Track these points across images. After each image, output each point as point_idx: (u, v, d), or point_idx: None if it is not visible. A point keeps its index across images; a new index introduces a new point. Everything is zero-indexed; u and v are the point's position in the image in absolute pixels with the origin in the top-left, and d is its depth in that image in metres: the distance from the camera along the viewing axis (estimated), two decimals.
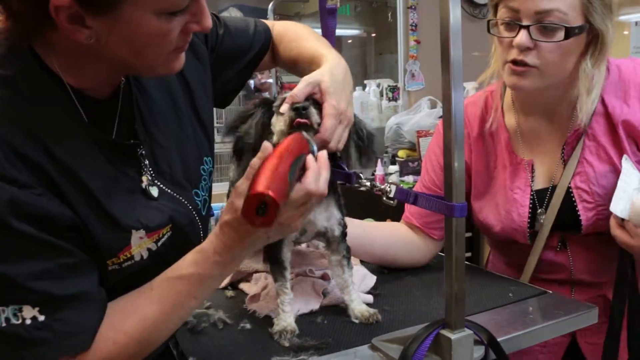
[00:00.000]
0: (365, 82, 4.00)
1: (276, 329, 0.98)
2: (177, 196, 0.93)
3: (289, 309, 1.02)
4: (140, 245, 0.84)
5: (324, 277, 1.18)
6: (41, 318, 0.72)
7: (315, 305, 1.10)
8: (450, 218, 0.82)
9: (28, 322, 0.71)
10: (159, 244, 0.88)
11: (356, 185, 1.00)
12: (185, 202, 0.94)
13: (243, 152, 1.03)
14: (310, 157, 0.82)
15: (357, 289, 1.11)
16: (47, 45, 0.77)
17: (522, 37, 1.11)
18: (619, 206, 1.09)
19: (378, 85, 3.91)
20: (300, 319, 1.04)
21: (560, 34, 1.10)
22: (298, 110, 0.91)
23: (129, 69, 0.84)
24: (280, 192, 0.71)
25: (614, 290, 1.17)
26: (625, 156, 1.16)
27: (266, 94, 4.28)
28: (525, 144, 1.29)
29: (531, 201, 1.26)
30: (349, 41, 5.28)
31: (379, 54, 4.92)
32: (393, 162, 3.28)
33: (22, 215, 0.69)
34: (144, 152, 0.89)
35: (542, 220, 1.25)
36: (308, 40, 1.10)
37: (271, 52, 1.17)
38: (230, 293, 1.21)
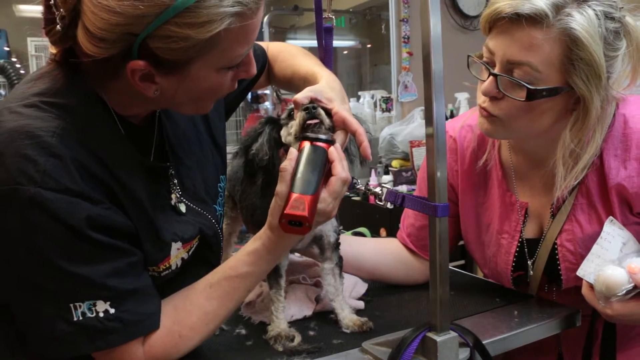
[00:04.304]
0: (360, 93, 4.05)
1: (271, 334, 1.02)
2: (202, 211, 1.02)
3: (282, 316, 1.05)
4: (177, 255, 0.94)
5: (317, 285, 1.22)
6: (112, 311, 0.81)
7: (308, 311, 1.13)
8: (434, 222, 0.87)
9: (101, 314, 0.81)
10: (190, 253, 0.97)
11: (351, 192, 1.04)
12: (209, 216, 1.03)
13: (255, 171, 1.06)
14: (332, 149, 0.91)
15: (347, 298, 1.14)
16: (100, 84, 0.85)
17: (488, 85, 1.03)
18: (588, 269, 1.03)
19: (372, 97, 3.97)
20: (294, 324, 1.08)
21: (523, 93, 0.99)
22: (309, 109, 0.94)
23: (176, 108, 0.92)
24: (310, 207, 0.83)
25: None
26: (610, 218, 1.06)
27: (265, 105, 4.34)
28: (520, 185, 1.21)
29: (518, 248, 1.20)
30: (345, 52, 5.34)
31: (374, 65, 4.96)
32: (386, 172, 3.31)
33: (96, 226, 0.79)
34: (172, 172, 0.97)
35: (531, 272, 1.19)
36: (302, 59, 1.17)
37: (266, 72, 1.25)
38: None
